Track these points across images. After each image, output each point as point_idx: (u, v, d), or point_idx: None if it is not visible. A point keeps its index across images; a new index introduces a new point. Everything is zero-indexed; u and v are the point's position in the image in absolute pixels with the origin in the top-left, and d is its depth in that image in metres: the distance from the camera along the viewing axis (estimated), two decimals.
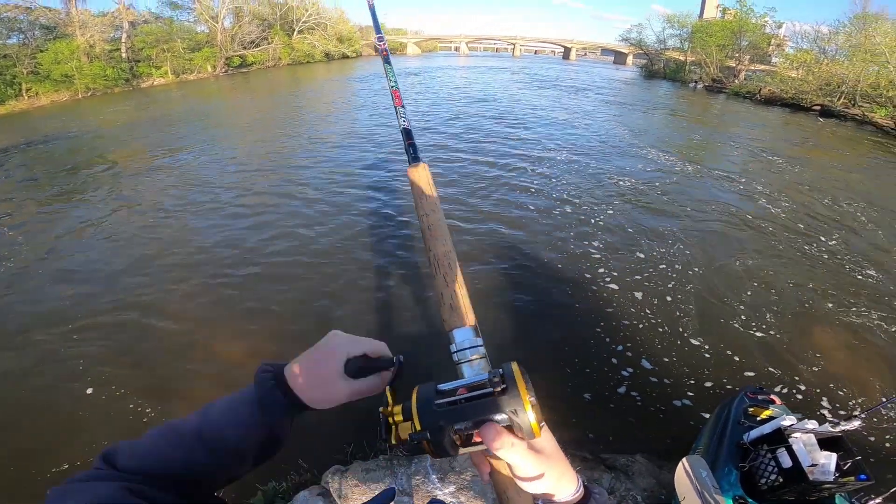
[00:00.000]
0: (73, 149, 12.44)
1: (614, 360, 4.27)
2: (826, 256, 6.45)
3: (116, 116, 16.81)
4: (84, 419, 3.71)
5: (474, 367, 0.56)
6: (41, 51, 22.39)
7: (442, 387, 0.52)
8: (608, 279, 5.53)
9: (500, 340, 4.54)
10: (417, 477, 2.83)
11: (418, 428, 0.49)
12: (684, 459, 2.40)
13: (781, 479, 2.11)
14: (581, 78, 32.22)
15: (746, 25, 31.35)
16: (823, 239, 7.02)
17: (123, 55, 26.48)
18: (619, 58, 52.96)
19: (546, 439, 0.53)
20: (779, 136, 15.75)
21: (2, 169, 10.79)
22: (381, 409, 0.53)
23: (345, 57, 44.41)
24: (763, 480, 2.20)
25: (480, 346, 0.58)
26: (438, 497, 2.74)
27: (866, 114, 19.27)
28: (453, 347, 0.58)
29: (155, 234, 6.87)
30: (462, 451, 0.51)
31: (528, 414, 0.47)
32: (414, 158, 0.77)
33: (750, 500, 2.18)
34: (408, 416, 0.50)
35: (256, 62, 35.26)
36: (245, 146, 12.06)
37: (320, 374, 0.58)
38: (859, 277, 5.92)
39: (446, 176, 9.08)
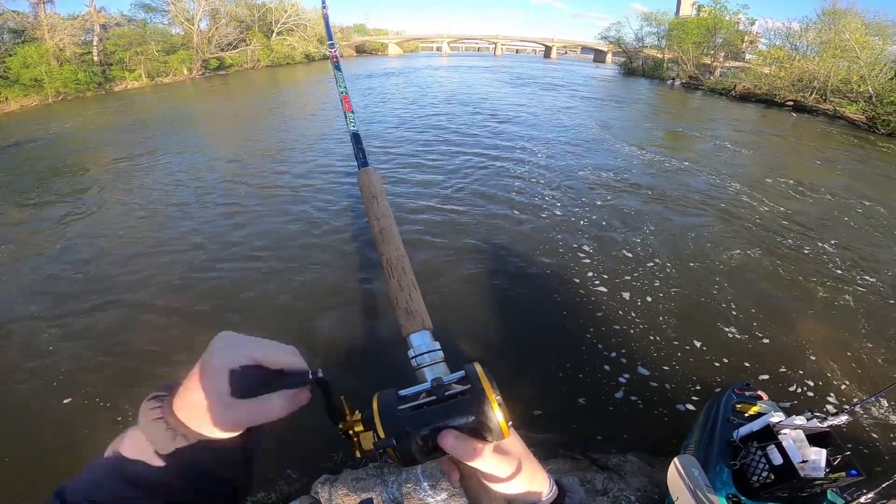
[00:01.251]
0: (47, 154, 12.06)
1: (601, 362, 4.29)
2: (807, 250, 6.59)
3: (89, 121, 16.35)
4: (65, 429, 3.58)
5: (434, 371, 0.54)
6: (9, 55, 21.67)
7: (404, 392, 0.50)
8: (597, 281, 5.54)
9: (488, 344, 4.53)
10: (408, 485, 2.78)
11: (382, 436, 0.46)
12: (676, 459, 2.40)
13: (773, 477, 2.12)
14: (561, 76, 32.51)
15: (721, 22, 32.07)
16: (805, 233, 7.16)
17: (95, 58, 25.75)
18: (599, 56, 53.60)
19: (513, 440, 0.51)
20: (755, 130, 16.11)
21: None
22: (338, 424, 0.48)
23: (325, 58, 43.92)
24: (755, 478, 2.21)
25: (438, 350, 0.56)
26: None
27: (837, 109, 19.85)
28: (411, 353, 0.56)
29: (130, 236, 6.78)
30: (431, 458, 0.48)
31: (497, 414, 0.46)
32: (363, 163, 0.77)
33: (743, 498, 2.18)
34: (369, 426, 0.47)
35: (235, 64, 34.68)
36: (220, 149, 11.83)
37: (198, 397, 0.43)
38: (840, 272, 6.05)
39: (427, 175, 9.06)
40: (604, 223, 7.10)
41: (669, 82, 32.80)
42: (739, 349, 4.46)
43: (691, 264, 6.01)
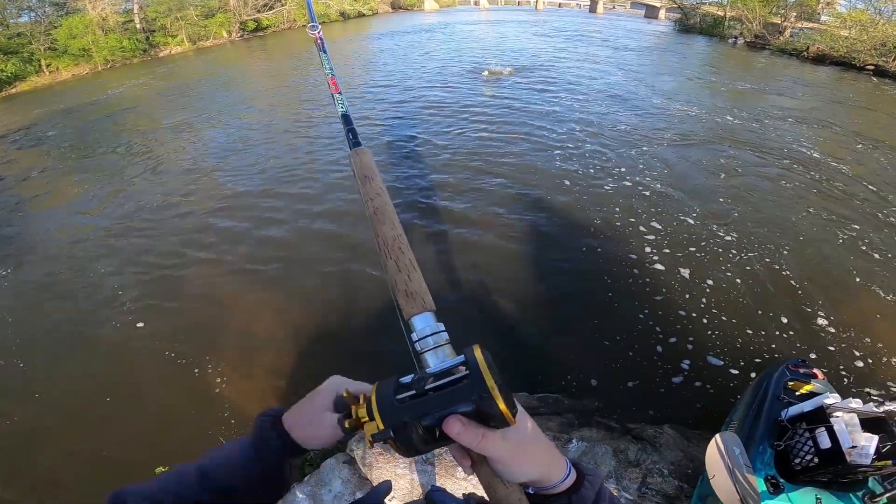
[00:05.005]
0: (103, 115, 12.97)
1: (644, 325, 4.22)
2: (889, 222, 6.04)
3: (140, 87, 17.01)
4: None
5: (439, 354, 0.52)
6: (55, 27, 22.41)
7: (404, 380, 0.49)
8: (655, 256, 5.29)
9: (524, 317, 4.53)
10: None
11: (381, 427, 0.45)
12: (717, 436, 2.36)
13: (817, 460, 2.05)
14: (609, 32, 30.41)
15: None
16: (882, 204, 6.56)
17: (137, 26, 26.33)
18: (651, 11, 49.36)
19: (523, 425, 0.49)
20: (833, 93, 14.47)
21: (47, 139, 11.48)
22: (345, 422, 0.51)
23: (361, 15, 42.96)
24: (797, 460, 2.15)
25: (443, 331, 0.54)
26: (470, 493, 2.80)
27: None
28: (414, 336, 0.54)
29: (182, 193, 7.49)
30: (438, 446, 0.47)
31: (498, 401, 0.43)
32: (354, 143, 0.77)
33: (782, 480, 2.14)
34: (372, 416, 0.47)
35: (272, 25, 34.56)
36: (258, 111, 12.15)
37: (308, 412, 0.60)
38: None
39: (469, 137, 8.97)
40: (661, 188, 6.78)
41: (731, 41, 30.03)
42: (797, 324, 4.27)
43: (756, 236, 5.67)
